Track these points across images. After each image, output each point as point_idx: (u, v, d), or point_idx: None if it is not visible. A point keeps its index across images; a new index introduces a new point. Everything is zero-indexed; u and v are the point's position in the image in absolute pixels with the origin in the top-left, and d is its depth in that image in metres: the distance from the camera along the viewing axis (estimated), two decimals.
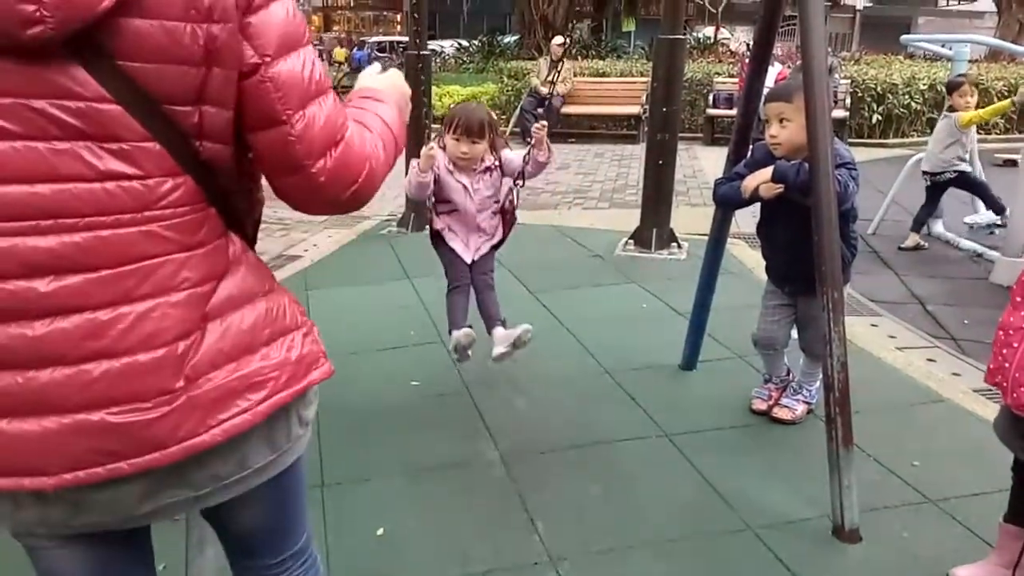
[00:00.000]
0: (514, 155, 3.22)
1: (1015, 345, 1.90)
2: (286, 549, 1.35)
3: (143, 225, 1.00)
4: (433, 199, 3.18)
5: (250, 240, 1.22)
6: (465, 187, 3.15)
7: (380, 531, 2.44)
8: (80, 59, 0.92)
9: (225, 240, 1.12)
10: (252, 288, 1.14)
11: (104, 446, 1.01)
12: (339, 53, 21.55)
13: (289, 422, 1.20)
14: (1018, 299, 1.95)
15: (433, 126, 6.06)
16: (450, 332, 3.23)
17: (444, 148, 3.10)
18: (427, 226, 3.31)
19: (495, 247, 3.33)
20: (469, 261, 3.25)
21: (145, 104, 0.96)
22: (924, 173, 6.04)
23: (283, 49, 1.05)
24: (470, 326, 3.22)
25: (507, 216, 3.29)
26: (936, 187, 5.99)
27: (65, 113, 0.93)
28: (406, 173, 3.07)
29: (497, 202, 3.24)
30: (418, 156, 3.04)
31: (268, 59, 1.03)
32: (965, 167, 5.89)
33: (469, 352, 3.22)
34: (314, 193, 1.13)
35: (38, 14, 0.87)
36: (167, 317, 1.03)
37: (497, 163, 3.18)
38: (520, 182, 3.21)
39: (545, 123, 3.18)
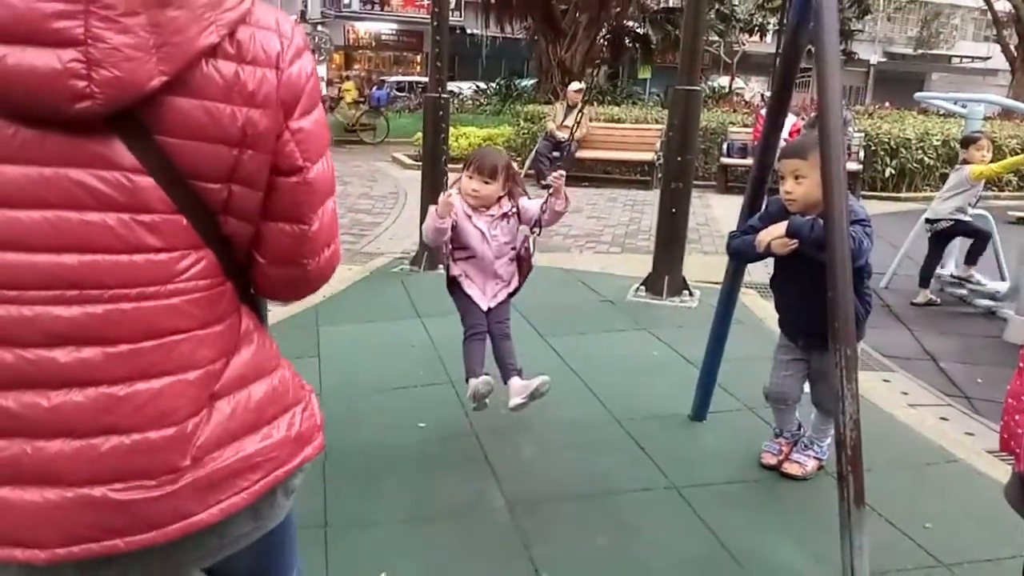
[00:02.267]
0: (531, 203, 3.25)
1: None
2: None
3: (166, 299, 1.01)
4: (450, 245, 3.19)
5: (262, 316, 1.24)
6: (483, 233, 3.16)
7: (383, 575, 2.41)
8: (119, 131, 0.94)
9: (238, 315, 1.13)
10: (261, 365, 1.14)
11: (104, 522, 1.00)
12: (348, 88, 20.69)
13: (275, 496, 1.19)
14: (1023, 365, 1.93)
15: (449, 166, 6.13)
16: (467, 380, 3.19)
17: (460, 189, 3.16)
18: (439, 265, 3.34)
19: (511, 294, 3.33)
20: (486, 308, 3.23)
21: (176, 178, 0.98)
22: (926, 221, 6.06)
23: (320, 154, 1.10)
24: (487, 374, 3.20)
25: (523, 263, 3.30)
26: (937, 237, 6.00)
27: (101, 183, 0.95)
28: (421, 218, 3.13)
29: (514, 249, 3.25)
30: (435, 202, 3.07)
31: (310, 164, 1.08)
32: (963, 217, 5.91)
33: (487, 400, 3.17)
34: (294, 285, 1.18)
35: (88, 90, 0.89)
36: (182, 395, 1.03)
37: (514, 210, 3.21)
38: (537, 230, 3.24)
39: (563, 172, 3.19)
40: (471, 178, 3.12)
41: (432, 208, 3.06)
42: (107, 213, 0.96)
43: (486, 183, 3.11)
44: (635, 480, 3.03)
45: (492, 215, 3.16)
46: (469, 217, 3.14)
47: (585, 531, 2.69)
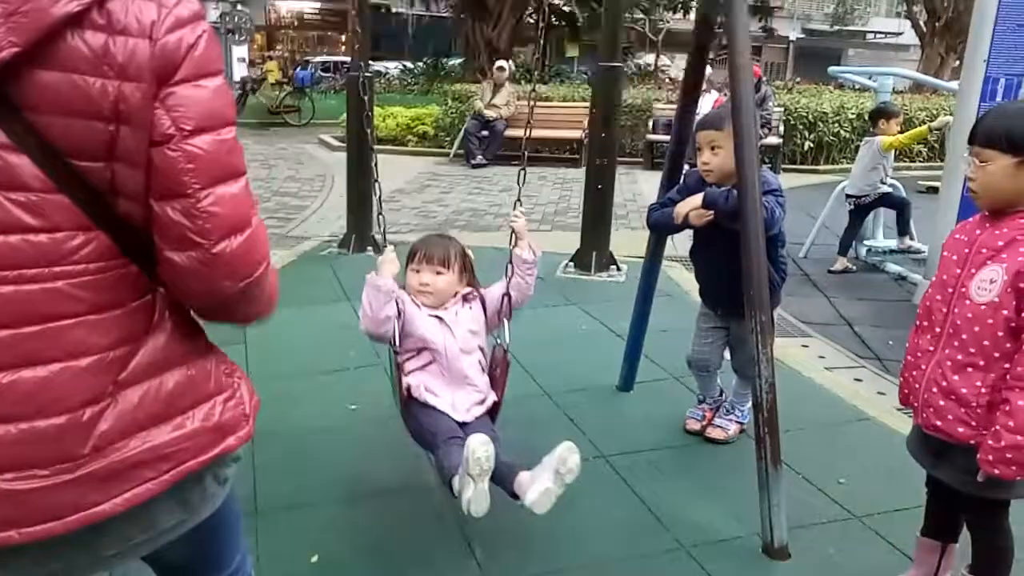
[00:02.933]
0: (493, 287, 2.69)
1: (923, 367, 2.00)
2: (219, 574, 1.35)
3: (49, 282, 0.96)
4: (397, 350, 2.45)
5: None
6: (441, 319, 2.51)
7: (314, 558, 2.40)
8: None
9: (150, 300, 1.08)
10: (175, 353, 1.10)
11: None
12: (271, 68, 19.92)
13: (203, 484, 1.17)
14: (924, 323, 2.05)
15: (375, 147, 6.05)
16: (450, 487, 2.27)
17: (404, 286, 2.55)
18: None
19: (490, 413, 2.57)
20: (460, 420, 2.43)
21: (51, 156, 0.93)
22: (848, 196, 6.30)
23: (203, 124, 1.00)
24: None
25: (497, 376, 2.62)
26: (859, 210, 6.26)
27: None
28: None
29: (481, 349, 2.61)
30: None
31: (186, 131, 0.99)
32: (886, 188, 6.18)
33: (486, 486, 2.19)
34: (204, 275, 1.04)
35: None
36: (72, 383, 0.99)
37: (475, 293, 2.65)
38: (507, 319, 2.64)
39: (521, 212, 2.72)
40: (417, 271, 2.53)
41: (370, 276, 2.39)
42: None
43: (438, 274, 2.52)
44: None
45: (445, 306, 2.58)
46: (419, 307, 2.52)
47: (518, 505, 2.73)
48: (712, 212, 2.75)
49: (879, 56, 36.72)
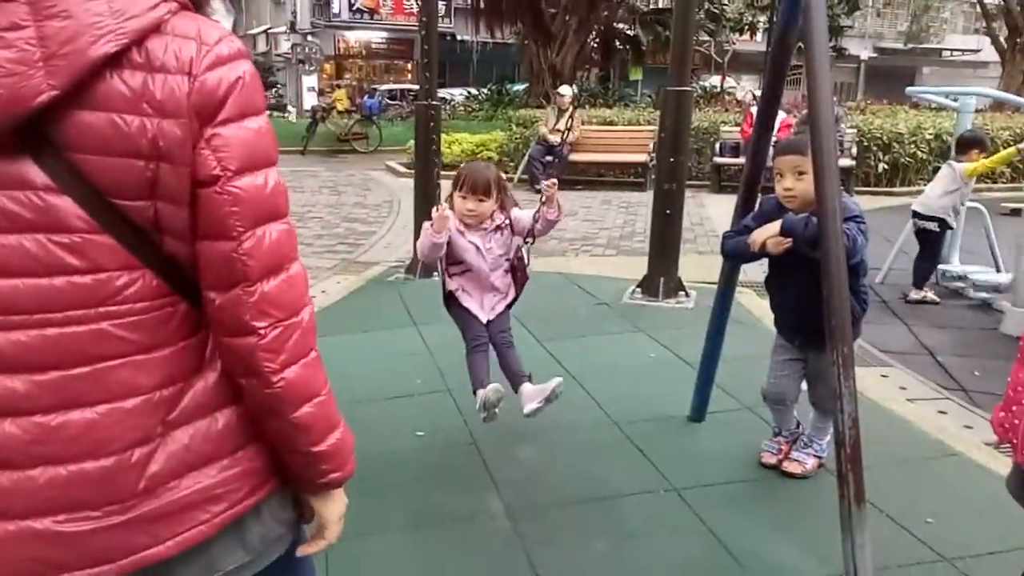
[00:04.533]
0: (523, 214, 3.24)
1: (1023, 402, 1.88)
2: None
3: (95, 323, 0.95)
4: (444, 261, 3.18)
5: None
6: (477, 247, 3.14)
7: None
8: (28, 149, 0.90)
9: (200, 338, 1.05)
10: (226, 391, 1.06)
11: (49, 556, 0.96)
12: (340, 96, 20.43)
13: (262, 525, 1.13)
14: None
15: (442, 173, 6.13)
16: (475, 392, 3.11)
17: (452, 207, 3.14)
18: (434, 273, 3.31)
19: (509, 305, 3.30)
20: (485, 320, 3.20)
21: (94, 196, 0.92)
22: (914, 213, 6.03)
23: (249, 166, 0.99)
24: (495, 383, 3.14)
25: (518, 274, 3.28)
26: (931, 237, 5.97)
27: (13, 203, 0.90)
28: (415, 226, 3.11)
29: (508, 260, 3.24)
30: (428, 210, 3.07)
31: (230, 173, 0.97)
32: (953, 223, 5.90)
33: (497, 410, 3.08)
34: (239, 317, 1.01)
35: None
36: (120, 424, 0.97)
37: (507, 221, 3.19)
38: (530, 240, 3.22)
39: (555, 180, 3.18)
40: (465, 198, 3.10)
41: (426, 224, 3.04)
42: (22, 235, 0.91)
43: (481, 201, 3.09)
44: (635, 483, 3.03)
45: (485, 228, 3.15)
46: (462, 233, 3.13)
47: (586, 536, 2.68)
48: (791, 240, 2.67)
49: (956, 74, 35.58)
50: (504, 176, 3.23)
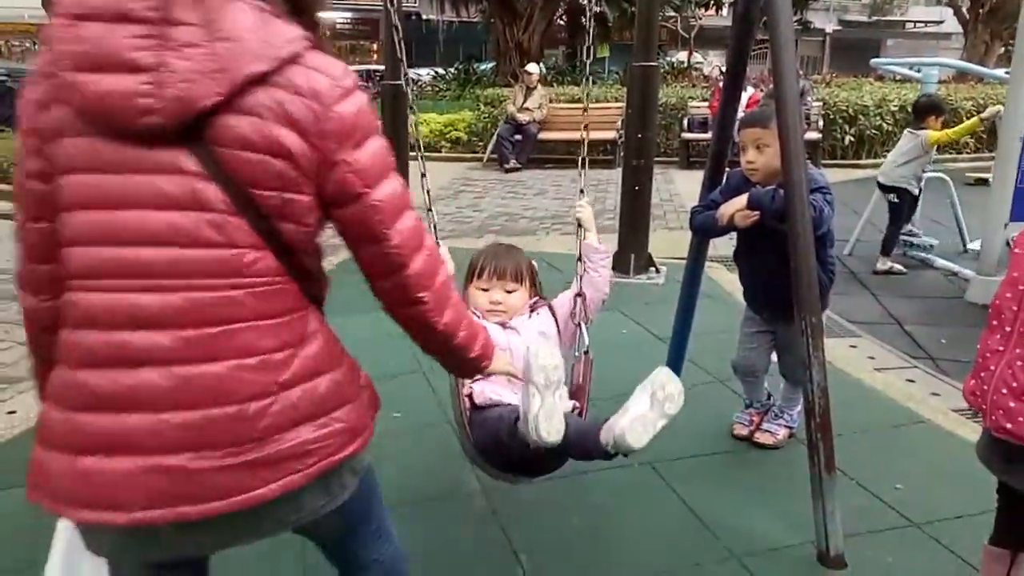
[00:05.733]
0: (561, 295, 2.47)
1: (992, 368, 1.91)
2: (363, 540, 1.54)
3: (229, 291, 1.15)
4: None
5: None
6: (503, 324, 2.29)
7: None
8: (186, 143, 1.11)
9: (306, 313, 1.26)
10: (326, 360, 1.27)
11: (175, 488, 1.13)
12: None
13: (342, 476, 1.33)
14: (994, 322, 1.96)
15: (411, 153, 6.06)
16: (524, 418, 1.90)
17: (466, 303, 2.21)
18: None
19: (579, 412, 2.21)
20: None
21: (234, 185, 1.13)
22: (878, 184, 6.10)
23: (380, 178, 1.23)
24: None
25: (580, 381, 2.35)
26: (889, 205, 6.05)
27: (172, 186, 1.11)
28: None
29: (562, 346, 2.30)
30: None
31: (369, 190, 1.21)
32: (915, 191, 5.97)
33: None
34: (404, 293, 1.31)
35: (153, 106, 1.07)
36: (242, 379, 1.16)
37: (542, 302, 2.45)
38: (586, 321, 2.39)
39: (587, 201, 2.55)
40: (486, 290, 2.35)
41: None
42: (176, 212, 1.12)
43: (509, 292, 2.34)
44: None
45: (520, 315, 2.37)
46: (477, 315, 2.30)
47: (561, 512, 2.70)
48: (758, 213, 2.69)
49: (920, 46, 35.92)
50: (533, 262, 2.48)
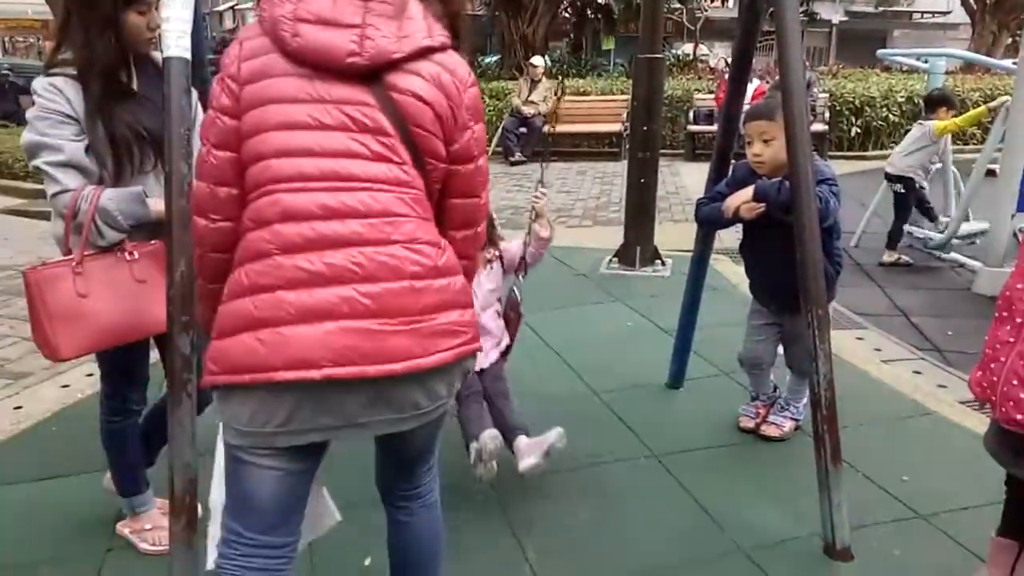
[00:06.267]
0: (512, 244, 2.98)
1: (1002, 359, 1.90)
2: (428, 466, 1.80)
3: (398, 194, 1.46)
4: None
5: None
6: None
7: (367, 561, 2.39)
8: (370, 84, 1.45)
9: (439, 228, 1.56)
10: (457, 264, 1.56)
11: (361, 346, 1.37)
12: None
13: (460, 372, 1.56)
14: (1004, 313, 1.95)
15: None
16: (467, 446, 2.66)
17: None
18: None
19: (504, 353, 2.93)
20: (478, 368, 2.77)
21: (399, 119, 1.46)
22: (886, 175, 6.07)
23: (483, 151, 1.63)
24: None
25: (511, 315, 2.97)
26: (895, 196, 6.02)
27: (360, 114, 1.44)
28: None
29: (499, 300, 2.94)
30: None
31: (478, 155, 1.59)
32: (922, 181, 5.93)
33: (495, 464, 2.60)
34: (468, 245, 1.65)
35: (357, 50, 1.41)
36: (408, 259, 1.43)
37: (497, 254, 2.93)
38: (522, 273, 2.96)
39: (544, 191, 2.92)
40: None
41: None
42: (363, 134, 1.44)
43: None
44: (615, 451, 3.04)
45: None
46: None
47: (569, 505, 2.70)
48: (764, 205, 2.68)
49: (927, 36, 35.65)
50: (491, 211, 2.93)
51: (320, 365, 1.35)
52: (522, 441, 2.65)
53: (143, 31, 2.12)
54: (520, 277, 2.98)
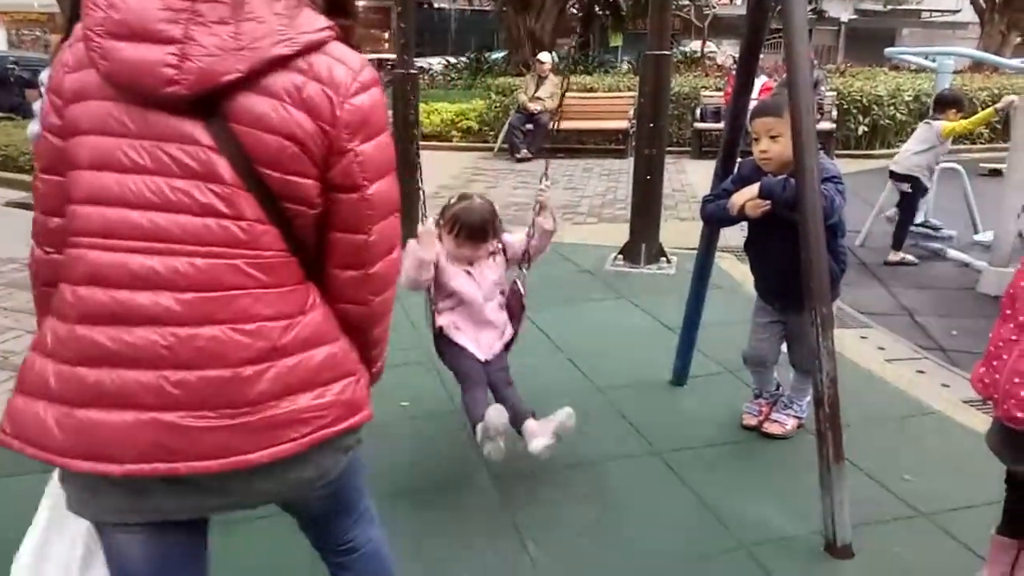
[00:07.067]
0: (515, 237, 2.97)
1: (1005, 357, 1.90)
2: (350, 522, 1.57)
3: (232, 259, 1.18)
4: (432, 293, 2.82)
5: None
6: (469, 273, 2.82)
7: None
8: (202, 115, 1.15)
9: (305, 287, 1.29)
10: (323, 333, 1.30)
11: (169, 443, 1.16)
12: None
13: (334, 452, 1.35)
14: (1008, 311, 1.95)
15: (421, 143, 6.06)
16: (473, 428, 2.63)
17: (441, 241, 2.81)
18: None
19: (507, 346, 2.93)
20: (483, 359, 2.80)
21: (244, 160, 1.17)
22: (891, 174, 6.05)
23: (380, 175, 1.28)
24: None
25: (514, 307, 2.97)
26: (901, 196, 6.01)
27: (185, 155, 1.15)
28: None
29: (503, 293, 2.93)
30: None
31: (368, 183, 1.26)
32: (928, 182, 5.92)
33: (502, 444, 2.56)
34: (358, 288, 1.33)
35: (176, 77, 1.12)
36: (238, 343, 1.19)
37: (500, 246, 2.90)
38: (526, 266, 2.95)
39: (548, 185, 2.93)
40: (461, 245, 2.78)
41: (411, 242, 2.65)
42: (188, 181, 1.16)
43: (478, 246, 2.79)
44: (619, 447, 3.05)
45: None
46: (451, 258, 2.82)
47: (571, 501, 2.71)
48: (769, 202, 2.68)
49: (936, 35, 35.48)
50: (495, 208, 2.89)
51: (120, 460, 1.15)
52: (531, 423, 2.63)
53: None
54: (524, 269, 2.96)
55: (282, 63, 1.17)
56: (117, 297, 1.16)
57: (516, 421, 2.64)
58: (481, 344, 2.82)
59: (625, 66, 18.15)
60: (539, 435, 2.58)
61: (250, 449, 1.20)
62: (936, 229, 6.42)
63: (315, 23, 1.21)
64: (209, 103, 1.15)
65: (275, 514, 1.50)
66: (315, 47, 1.20)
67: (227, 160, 1.16)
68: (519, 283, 2.96)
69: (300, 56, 1.18)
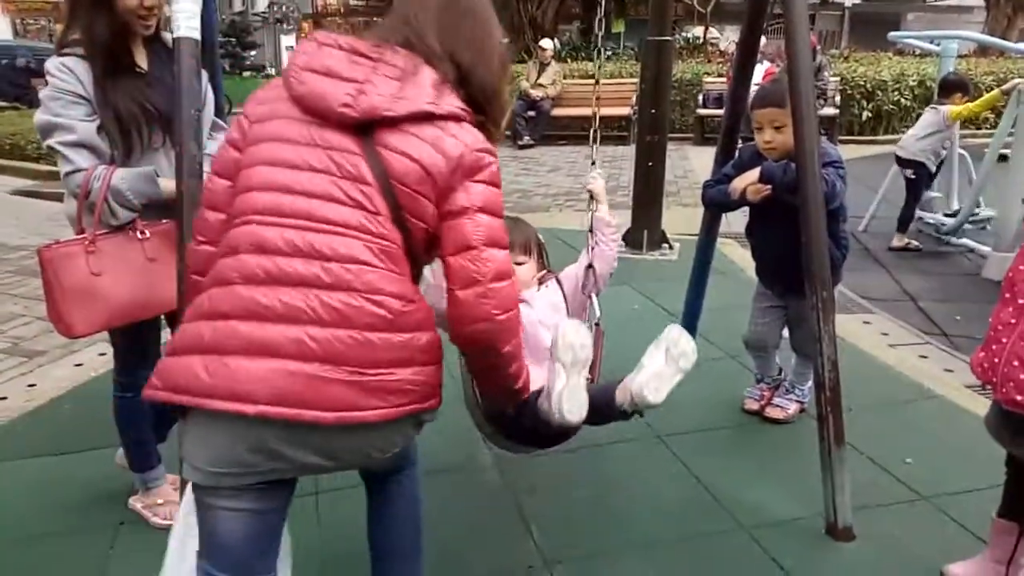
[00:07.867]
0: (569, 268, 2.49)
1: (1004, 341, 1.91)
2: (405, 470, 1.87)
3: (366, 242, 1.44)
4: None
5: None
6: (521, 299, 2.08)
7: None
8: (362, 136, 1.47)
9: (413, 283, 1.54)
10: (427, 322, 1.52)
11: (300, 391, 1.36)
12: None
13: (415, 425, 1.59)
14: (1007, 295, 1.95)
15: None
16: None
17: None
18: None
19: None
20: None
21: (382, 173, 1.47)
22: (896, 159, 6.03)
23: (488, 210, 1.52)
24: None
25: (592, 357, 2.05)
26: (918, 182, 5.99)
27: (346, 162, 1.46)
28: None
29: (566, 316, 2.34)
30: None
31: (475, 208, 1.50)
32: (932, 167, 5.91)
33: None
34: (480, 306, 1.51)
35: (350, 103, 1.45)
36: (365, 310, 1.41)
37: (550, 275, 2.47)
38: (593, 290, 2.42)
39: (599, 172, 2.58)
40: None
41: (427, 273, 1.87)
42: (345, 180, 1.45)
43: (518, 264, 2.30)
44: (620, 431, 3.02)
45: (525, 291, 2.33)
46: None
47: (572, 484, 2.73)
48: (770, 187, 2.68)
49: (941, 19, 35.21)
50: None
51: (255, 400, 1.35)
52: (626, 378, 1.99)
53: (137, 8, 2.12)
54: (594, 299, 2.42)
55: (427, 118, 1.48)
56: (276, 262, 1.40)
57: (618, 396, 1.99)
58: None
59: (628, 53, 18.04)
60: (643, 368, 1.97)
61: (363, 407, 1.40)
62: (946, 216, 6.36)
63: (455, 101, 1.53)
64: (368, 129, 1.46)
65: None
66: (453, 118, 1.51)
67: (369, 169, 1.45)
68: (592, 305, 2.42)
69: (442, 119, 1.49)
